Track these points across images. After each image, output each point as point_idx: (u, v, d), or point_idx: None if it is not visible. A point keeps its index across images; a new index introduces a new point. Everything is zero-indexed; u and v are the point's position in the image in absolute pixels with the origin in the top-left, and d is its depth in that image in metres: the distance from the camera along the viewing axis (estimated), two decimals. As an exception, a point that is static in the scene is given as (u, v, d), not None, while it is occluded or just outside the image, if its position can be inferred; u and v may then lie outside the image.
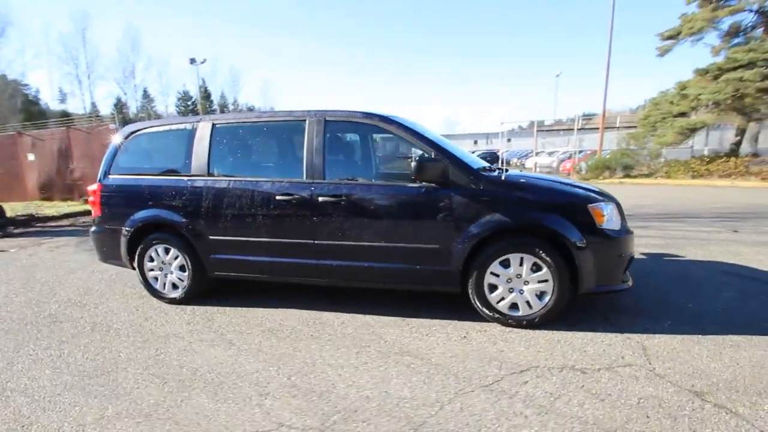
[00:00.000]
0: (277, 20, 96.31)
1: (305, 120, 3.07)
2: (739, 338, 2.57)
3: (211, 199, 3.20)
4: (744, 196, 10.01)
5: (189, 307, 3.40)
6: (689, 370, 2.24)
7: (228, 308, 3.36)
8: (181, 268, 3.41)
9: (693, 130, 13.51)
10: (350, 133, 3.44)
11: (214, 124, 3.28)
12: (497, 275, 2.77)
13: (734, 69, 11.68)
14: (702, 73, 12.70)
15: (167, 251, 3.41)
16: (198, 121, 3.34)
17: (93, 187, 3.61)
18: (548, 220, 2.65)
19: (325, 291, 3.58)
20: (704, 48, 14.65)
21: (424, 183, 2.79)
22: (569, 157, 20.90)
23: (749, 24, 13.73)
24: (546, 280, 2.70)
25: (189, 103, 51.08)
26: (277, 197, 3.03)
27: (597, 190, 3.12)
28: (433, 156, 2.79)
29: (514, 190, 2.76)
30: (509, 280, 2.76)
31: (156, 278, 3.50)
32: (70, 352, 2.71)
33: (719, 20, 13.22)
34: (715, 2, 13.26)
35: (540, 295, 2.74)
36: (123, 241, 3.47)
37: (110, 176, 3.54)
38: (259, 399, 2.11)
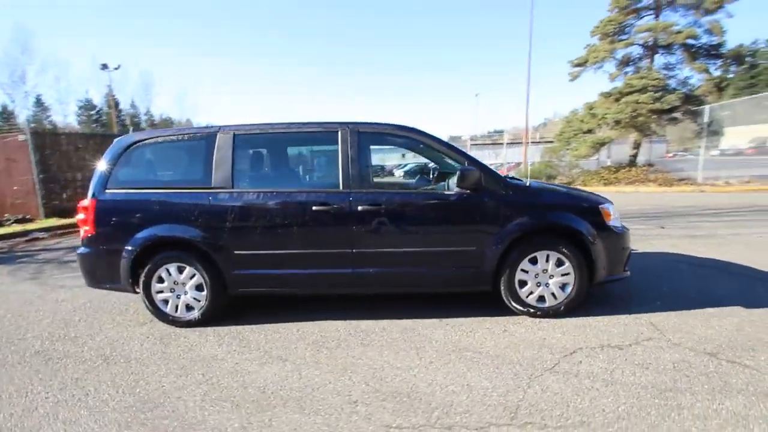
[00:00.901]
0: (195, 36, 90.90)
1: (338, 131, 3.12)
2: (714, 310, 3.17)
3: (237, 213, 3.06)
4: (650, 198, 11.87)
5: (209, 329, 3.18)
6: (695, 337, 2.72)
7: (255, 326, 3.21)
8: (198, 288, 3.18)
9: (602, 144, 15.76)
10: (382, 144, 3.53)
11: (235, 134, 3.16)
12: (526, 272, 3.08)
13: (631, 93, 13.88)
14: (606, 95, 14.93)
15: (181, 270, 3.16)
16: (216, 131, 3.18)
17: (84, 203, 3.22)
18: (569, 220, 3.03)
19: (342, 300, 3.59)
20: (604, 74, 17.16)
21: (458, 190, 3.01)
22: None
23: (637, 56, 16.39)
24: (568, 273, 3.06)
25: (93, 112, 45.68)
26: (314, 208, 3.02)
27: (595, 194, 3.61)
28: (467, 165, 3.03)
29: (538, 196, 3.11)
30: (537, 276, 3.08)
31: (166, 300, 3.22)
32: (98, 388, 2.40)
33: (615, 51, 15.64)
34: (612, 36, 15.67)
35: (563, 287, 3.10)
36: (125, 261, 3.14)
37: (108, 191, 3.19)
38: (351, 407, 2.12)
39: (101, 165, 3.25)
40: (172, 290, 3.20)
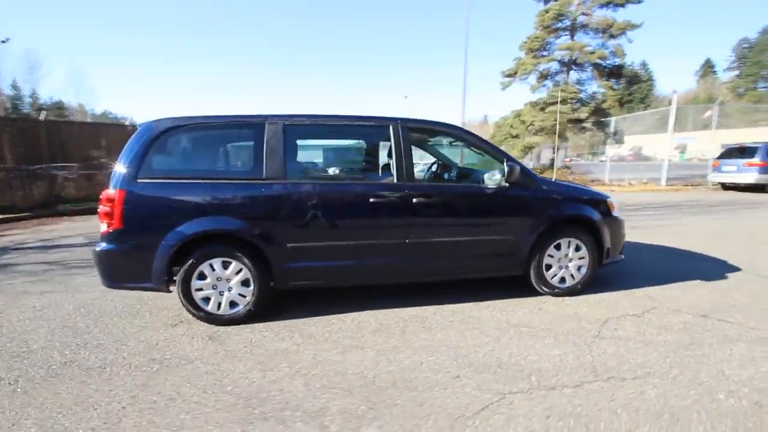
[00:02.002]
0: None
1: (389, 126, 3.23)
2: (684, 283, 3.92)
3: (292, 205, 3.01)
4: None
5: (257, 325, 3.07)
6: (687, 304, 3.38)
7: (302, 320, 3.17)
8: (244, 283, 3.05)
9: (530, 149, 17.59)
10: (429, 139, 3.67)
11: (285, 124, 3.08)
12: (552, 256, 3.51)
13: (554, 104, 15.68)
14: (533, 105, 16.71)
15: (225, 265, 3.01)
16: (263, 120, 3.07)
17: (109, 194, 2.88)
18: (588, 211, 3.53)
19: (371, 290, 3.69)
20: (528, 86, 19.09)
21: (496, 184, 3.32)
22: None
23: (554, 71, 18.52)
24: (583, 257, 3.57)
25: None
26: (371, 199, 3.10)
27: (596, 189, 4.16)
28: (506, 162, 3.36)
29: (563, 191, 3.56)
30: (560, 260, 3.54)
31: (207, 298, 3.03)
32: (179, 391, 2.24)
33: (539, 66, 17.52)
34: (536, 52, 17.50)
35: (579, 269, 3.59)
36: (161, 258, 2.90)
37: (140, 181, 2.90)
38: (458, 380, 2.30)
39: (129, 152, 2.93)
40: (214, 287, 3.02)
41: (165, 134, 2.99)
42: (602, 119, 16.46)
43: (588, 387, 2.23)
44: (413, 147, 3.34)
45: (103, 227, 2.94)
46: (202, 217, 2.92)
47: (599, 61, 16.43)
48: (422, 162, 4.60)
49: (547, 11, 16.08)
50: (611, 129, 15.65)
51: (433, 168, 4.30)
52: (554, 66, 18.06)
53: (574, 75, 17.79)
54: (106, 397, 2.20)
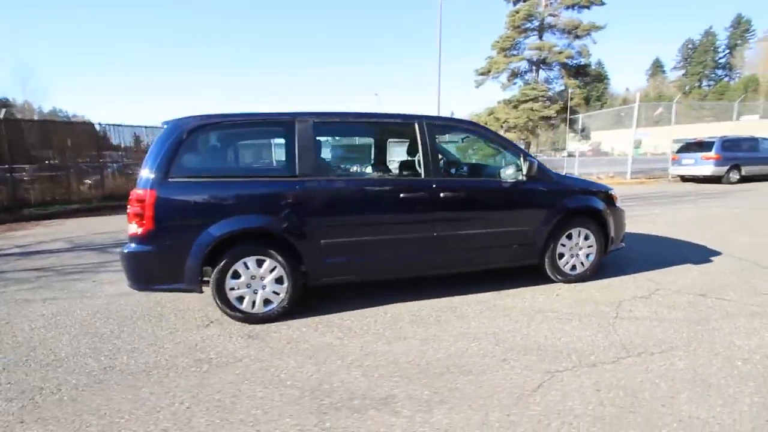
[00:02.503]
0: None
1: (414, 123, 3.32)
2: (677, 267, 4.27)
3: (325, 201, 3.05)
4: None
5: (292, 322, 3.09)
6: (685, 285, 3.70)
7: (336, 315, 3.21)
8: (278, 281, 3.06)
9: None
10: (449, 135, 3.77)
11: (314, 122, 3.10)
12: (564, 245, 3.74)
13: (527, 101, 16.29)
14: (507, 102, 17.28)
15: (260, 264, 3.00)
16: (293, 118, 3.08)
17: (138, 194, 2.80)
18: (595, 202, 3.78)
19: (392, 284, 3.78)
20: (499, 84, 19.69)
21: (512, 178, 3.49)
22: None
23: (524, 70, 19.19)
24: (591, 246, 3.82)
25: None
26: (401, 195, 3.18)
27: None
28: (524, 157, 3.53)
29: (574, 184, 3.79)
30: (571, 249, 3.77)
31: (241, 297, 3.01)
32: (251, 389, 2.24)
33: (510, 64, 18.12)
34: (506, 51, 18.07)
35: (587, 257, 3.84)
36: (195, 258, 2.86)
37: (171, 180, 2.83)
38: (507, 363, 2.45)
39: (158, 151, 2.86)
40: (248, 285, 3.01)
41: (194, 132, 2.94)
42: (571, 116, 17.27)
43: (624, 362, 2.43)
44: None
45: (132, 228, 2.86)
46: (235, 215, 2.91)
47: (567, 60, 17.21)
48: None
49: (517, 12, 16.67)
50: (579, 126, 16.49)
51: (440, 164, 4.44)
52: (524, 65, 18.69)
53: (542, 74, 18.51)
54: (164, 399, 2.17)
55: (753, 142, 12.79)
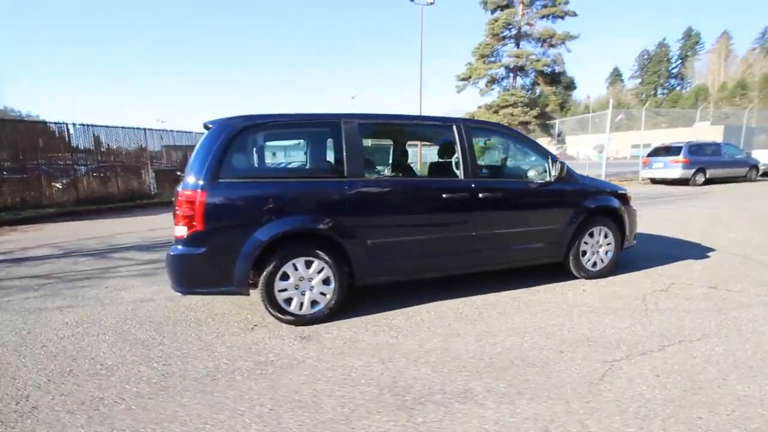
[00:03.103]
0: None
1: (453, 125, 3.41)
2: (681, 263, 4.56)
3: (372, 201, 3.08)
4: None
5: (340, 323, 3.09)
6: (694, 279, 3.98)
7: (380, 314, 3.24)
8: (325, 282, 3.05)
9: (486, 149, 18.74)
10: (484, 137, 3.87)
11: (359, 123, 3.13)
12: (587, 243, 3.93)
13: (507, 107, 16.82)
14: (488, 107, 17.78)
15: (308, 265, 2.99)
16: (338, 119, 3.09)
17: (187, 195, 2.73)
18: (614, 202, 4.00)
19: (423, 283, 3.85)
20: (478, 89, 20.22)
21: (541, 179, 3.65)
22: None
23: (501, 76, 19.81)
24: (610, 243, 4.03)
25: None
26: (444, 195, 3.26)
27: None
28: (550, 159, 3.69)
29: (594, 184, 3.99)
30: (592, 246, 3.97)
31: (289, 299, 2.99)
32: (319, 388, 2.24)
33: (490, 71, 18.66)
34: (485, 58, 18.61)
35: (606, 254, 4.06)
36: (245, 260, 2.82)
37: (221, 181, 2.77)
38: (565, 354, 2.56)
39: (207, 152, 2.80)
40: (296, 287, 2.99)
41: (243, 133, 2.89)
42: (547, 122, 17.99)
43: (669, 350, 2.61)
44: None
45: (180, 230, 2.78)
46: (286, 216, 2.88)
47: (544, 68, 17.92)
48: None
49: (496, 20, 17.24)
50: (555, 131, 17.22)
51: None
52: (502, 72, 19.29)
53: (519, 80, 19.17)
54: (242, 402, 2.14)
55: (716, 147, 13.80)
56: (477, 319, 3.14)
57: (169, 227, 7.83)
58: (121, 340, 2.91)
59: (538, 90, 18.60)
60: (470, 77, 18.55)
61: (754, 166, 14.10)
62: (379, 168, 3.77)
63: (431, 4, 18.39)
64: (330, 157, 3.04)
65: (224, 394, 2.21)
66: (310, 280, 3.02)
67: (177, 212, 2.76)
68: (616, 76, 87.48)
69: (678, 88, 76.39)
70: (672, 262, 4.58)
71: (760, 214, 7.76)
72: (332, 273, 3.04)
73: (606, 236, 4.01)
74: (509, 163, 3.86)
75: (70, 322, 3.27)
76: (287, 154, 3.15)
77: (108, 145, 12.56)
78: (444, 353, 2.62)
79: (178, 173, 14.20)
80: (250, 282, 2.93)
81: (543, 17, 17.81)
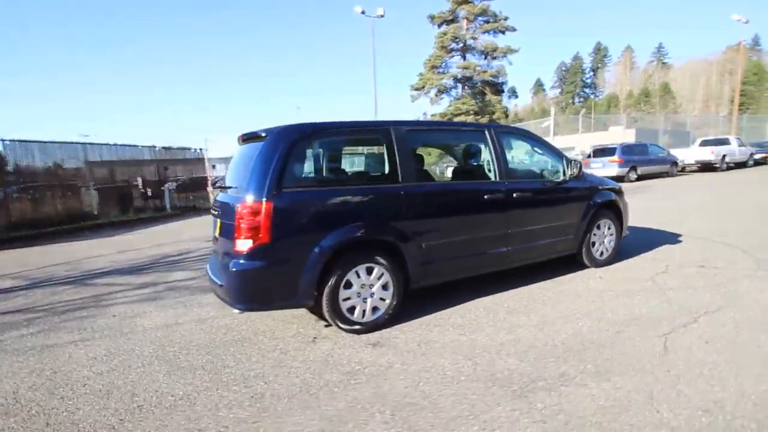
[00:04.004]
0: None
1: (485, 131, 3.60)
2: (666, 246, 5.13)
3: (426, 205, 3.16)
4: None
5: (400, 327, 3.11)
6: (682, 260, 4.51)
7: (433, 315, 3.31)
8: (384, 287, 3.07)
9: (441, 157, 19.49)
10: (510, 141, 4.06)
11: (407, 130, 3.20)
12: (595, 235, 4.32)
13: (460, 115, 17.67)
14: (443, 116, 18.53)
15: (369, 271, 2.99)
16: (389, 126, 3.14)
17: (252, 206, 2.61)
18: (614, 197, 4.44)
19: (457, 284, 3.98)
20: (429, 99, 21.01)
21: (560, 178, 3.97)
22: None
23: (450, 86, 20.78)
24: (612, 234, 4.47)
25: None
26: (485, 197, 3.42)
27: None
28: (565, 159, 4.02)
29: (599, 181, 4.40)
30: (599, 237, 4.37)
31: (352, 307, 2.96)
32: (451, 392, 2.26)
33: (441, 81, 19.52)
34: (436, 69, 19.44)
35: (610, 243, 4.48)
36: (311, 270, 2.75)
37: (285, 191, 2.69)
38: (621, 333, 2.82)
39: (267, 161, 2.70)
40: (358, 294, 2.97)
41: (301, 141, 2.84)
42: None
43: (702, 320, 2.98)
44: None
45: (244, 244, 2.65)
46: (350, 223, 2.87)
47: (490, 78, 19.12)
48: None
49: (444, 34, 18.17)
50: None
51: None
52: (451, 82, 20.26)
53: (467, 90, 20.25)
54: (359, 412, 2.10)
55: (643, 147, 15.64)
56: (525, 311, 3.33)
57: (140, 248, 7.31)
58: (176, 369, 2.68)
59: (485, 99, 19.84)
60: (423, 87, 19.34)
61: (674, 163, 16.18)
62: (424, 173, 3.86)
63: (382, 16, 18.92)
64: (385, 163, 3.08)
65: (335, 407, 2.16)
66: (371, 286, 3.01)
67: (240, 225, 2.63)
68: (539, 86, 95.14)
69: (592, 97, 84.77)
70: (655, 248, 5.15)
71: (699, 205, 8.94)
72: (391, 278, 3.07)
73: (609, 228, 4.44)
74: (531, 164, 4.15)
75: (98, 356, 2.94)
76: (343, 162, 3.13)
77: (44, 163, 11.22)
78: (518, 344, 2.76)
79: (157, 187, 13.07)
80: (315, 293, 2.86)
81: (486, 32, 19.13)
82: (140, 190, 13.57)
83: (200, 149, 16.04)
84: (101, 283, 5.03)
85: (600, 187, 4.35)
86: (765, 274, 3.89)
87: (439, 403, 2.14)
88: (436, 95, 21.63)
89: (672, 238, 5.64)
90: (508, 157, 3.73)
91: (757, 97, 52.09)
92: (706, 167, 17.16)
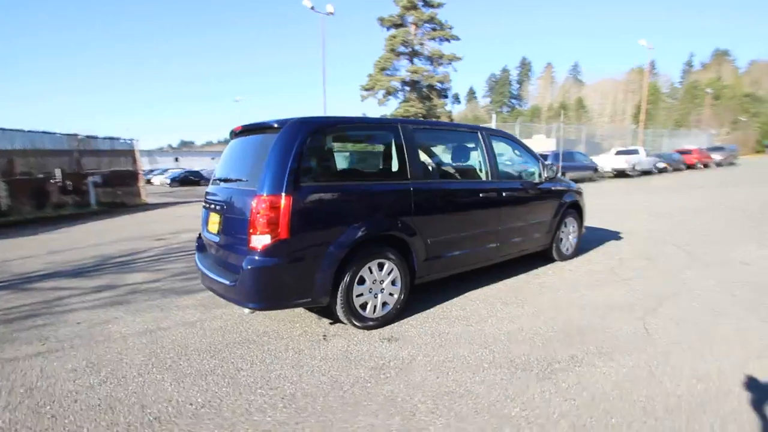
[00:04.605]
0: None
1: (477, 132, 3.78)
2: (611, 242, 5.77)
3: (432, 201, 3.25)
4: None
5: (408, 321, 3.16)
6: (632, 253, 5.09)
7: (432, 310, 3.40)
8: (393, 282, 3.10)
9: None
10: (499, 143, 4.24)
11: (413, 128, 3.26)
12: (563, 232, 4.74)
13: (408, 116, 18.07)
14: (392, 116, 18.80)
15: (381, 267, 3.00)
16: (396, 123, 3.16)
17: (271, 200, 2.48)
18: (577, 197, 4.90)
19: (447, 279, 4.14)
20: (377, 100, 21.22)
21: (542, 179, 4.30)
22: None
23: (398, 89, 21.19)
24: (575, 231, 4.94)
25: None
26: (480, 195, 3.60)
27: None
28: (542, 162, 4.36)
29: (566, 183, 4.82)
30: (566, 234, 4.80)
31: (365, 304, 2.95)
32: (465, 379, 2.34)
33: (391, 82, 19.82)
34: (385, 71, 19.72)
35: (573, 240, 4.94)
36: (328, 267, 2.70)
37: (303, 185, 2.59)
38: (604, 318, 3.15)
39: (284, 154, 2.59)
40: (370, 290, 2.97)
41: (317, 134, 2.77)
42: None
43: (666, 305, 3.40)
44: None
45: (259, 240, 2.53)
46: (365, 219, 2.85)
47: (436, 83, 19.84)
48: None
49: (394, 37, 18.49)
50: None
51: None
52: (398, 84, 20.66)
53: (414, 94, 20.80)
54: (401, 404, 2.13)
55: (570, 155, 17.31)
56: (519, 303, 3.56)
57: (75, 249, 6.51)
58: (183, 376, 2.47)
59: (431, 103, 20.56)
60: (374, 87, 19.50)
61: (595, 169, 18.12)
62: (450, 169, 3.96)
63: (331, 14, 18.72)
64: (394, 160, 3.10)
65: (375, 402, 2.15)
66: (381, 282, 3.03)
67: (256, 220, 2.50)
68: (471, 94, 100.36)
69: (519, 107, 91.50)
70: (604, 243, 5.77)
71: (631, 206, 10.11)
72: (399, 273, 3.11)
73: (573, 225, 4.89)
74: (514, 165, 4.42)
75: (79, 368, 2.61)
76: (354, 157, 3.08)
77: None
78: (522, 332, 2.96)
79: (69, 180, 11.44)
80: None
81: (432, 39, 19.82)
82: (59, 184, 11.99)
83: (131, 140, 14.57)
84: (45, 287, 4.40)
85: (566, 188, 4.79)
86: (699, 265, 4.55)
87: (474, 390, 2.23)
88: (384, 97, 21.95)
89: (615, 236, 6.35)
90: (497, 158, 3.96)
91: (653, 114, 59.81)
92: (620, 174, 19.49)
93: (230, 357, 2.69)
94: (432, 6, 19.61)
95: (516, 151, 4.40)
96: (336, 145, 3.05)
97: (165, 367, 2.59)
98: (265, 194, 2.53)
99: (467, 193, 3.59)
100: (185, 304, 3.73)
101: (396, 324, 3.12)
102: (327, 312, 3.17)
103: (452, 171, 3.92)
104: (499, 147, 4.07)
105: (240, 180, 2.94)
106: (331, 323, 3.17)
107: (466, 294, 3.77)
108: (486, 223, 3.73)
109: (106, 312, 3.60)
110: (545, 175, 4.26)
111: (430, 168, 3.55)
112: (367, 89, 20.17)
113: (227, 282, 2.68)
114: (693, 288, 3.82)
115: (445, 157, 4.11)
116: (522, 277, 4.29)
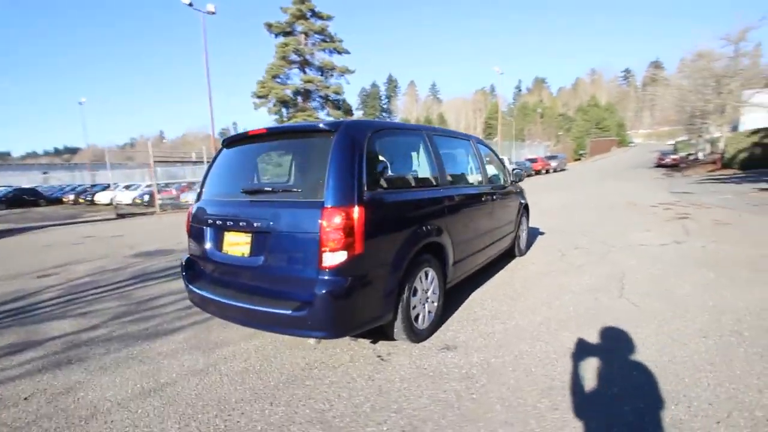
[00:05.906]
0: None
1: (469, 140, 3.99)
2: (544, 237, 6.66)
3: (460, 206, 3.34)
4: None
5: (444, 327, 3.12)
6: (564, 246, 5.97)
7: (456, 315, 3.45)
8: (434, 290, 3.05)
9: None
10: (485, 151, 4.38)
11: (432, 134, 3.28)
12: (522, 229, 5.29)
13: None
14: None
15: (426, 275, 2.93)
16: (421, 129, 3.14)
17: (343, 213, 2.20)
18: (525, 197, 5.53)
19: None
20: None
21: (509, 182, 4.75)
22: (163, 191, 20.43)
23: (291, 98, 20.63)
24: (525, 230, 5.56)
25: None
26: (483, 198, 3.80)
27: None
28: (507, 168, 4.81)
29: (520, 186, 5.39)
30: (522, 233, 5.37)
31: (417, 316, 2.83)
32: (522, 384, 2.43)
33: (284, 91, 19.10)
34: (276, 80, 18.99)
35: (526, 237, 5.56)
36: (392, 280, 2.53)
37: (370, 192, 2.36)
38: (597, 299, 3.65)
39: (348, 160, 2.32)
40: (420, 301, 2.87)
41: (372, 139, 2.56)
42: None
43: (626, 282, 4.10)
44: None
45: (332, 258, 2.22)
46: (420, 226, 2.76)
47: (330, 94, 19.89)
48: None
49: (286, 44, 17.93)
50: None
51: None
52: (290, 93, 20.13)
53: (310, 103, 20.52)
54: (518, 408, 2.11)
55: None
56: (521, 297, 3.85)
57: (53, 271, 4.65)
58: (277, 402, 2.00)
59: (325, 114, 20.49)
60: (267, 95, 18.40)
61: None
62: (459, 174, 3.95)
63: (213, 13, 17.19)
64: (430, 165, 3.07)
65: (493, 410, 2.11)
66: (426, 291, 2.96)
67: (327, 236, 2.18)
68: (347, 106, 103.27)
69: (389, 119, 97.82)
70: (538, 239, 6.62)
71: (549, 206, 11.67)
72: (438, 279, 3.08)
73: (525, 224, 5.52)
74: (494, 169, 4.73)
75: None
76: (396, 163, 2.88)
77: None
78: (551, 322, 3.23)
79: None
80: (388, 306, 2.61)
81: (323, 50, 19.83)
82: None
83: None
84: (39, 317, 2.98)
85: (522, 190, 5.39)
86: (617, 250, 5.59)
87: (566, 380, 2.37)
88: (275, 105, 21.00)
89: (537, 231, 7.34)
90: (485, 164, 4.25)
91: (496, 129, 70.49)
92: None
93: (294, 401, 2.28)
94: (322, 18, 19.67)
95: (490, 157, 4.79)
96: (385, 150, 2.86)
97: (264, 396, 2.06)
98: (337, 205, 2.24)
99: (476, 196, 3.77)
100: (170, 349, 3.01)
101: (438, 332, 3.08)
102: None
103: (460, 176, 4.07)
104: (484, 153, 4.37)
105: (287, 191, 2.53)
106: (371, 342, 2.95)
107: (471, 295, 3.92)
108: (486, 225, 3.96)
109: (55, 378, 2.65)
110: (510, 179, 4.73)
111: (449, 174, 3.61)
112: (260, 96, 18.96)
113: (286, 311, 2.26)
114: (630, 267, 4.66)
115: (453, 163, 4.23)
116: (501, 274, 4.65)
